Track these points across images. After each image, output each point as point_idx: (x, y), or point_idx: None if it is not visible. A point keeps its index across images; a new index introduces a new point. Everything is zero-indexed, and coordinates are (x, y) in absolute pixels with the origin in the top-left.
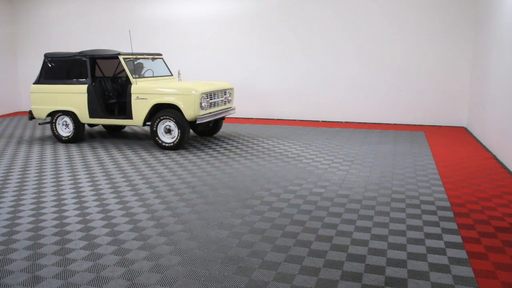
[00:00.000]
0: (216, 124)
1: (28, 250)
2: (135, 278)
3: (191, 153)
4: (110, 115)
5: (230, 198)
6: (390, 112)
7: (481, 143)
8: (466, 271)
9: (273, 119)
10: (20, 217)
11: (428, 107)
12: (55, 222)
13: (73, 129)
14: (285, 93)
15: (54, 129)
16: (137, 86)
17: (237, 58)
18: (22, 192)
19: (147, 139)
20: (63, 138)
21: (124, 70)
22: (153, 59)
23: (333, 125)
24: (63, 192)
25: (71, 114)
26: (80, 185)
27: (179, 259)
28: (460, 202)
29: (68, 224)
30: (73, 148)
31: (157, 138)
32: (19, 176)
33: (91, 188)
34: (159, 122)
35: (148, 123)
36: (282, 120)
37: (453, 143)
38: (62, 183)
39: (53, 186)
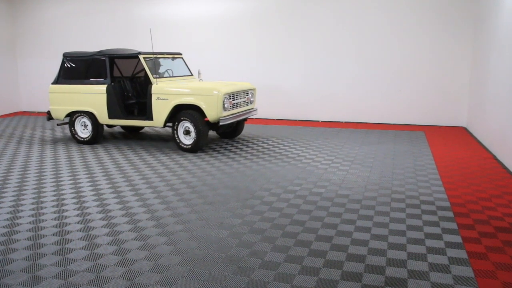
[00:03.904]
0: (238, 125)
1: (28, 250)
2: (135, 278)
3: (191, 153)
4: (130, 115)
5: (230, 198)
6: (390, 112)
7: (481, 143)
8: (466, 271)
9: (274, 119)
10: (20, 217)
11: (428, 107)
12: (55, 222)
13: (92, 130)
14: (285, 93)
15: (73, 130)
16: (158, 86)
17: (237, 58)
18: (22, 192)
19: (150, 140)
20: (82, 139)
21: (143, 69)
22: (173, 58)
23: (333, 125)
24: (63, 192)
25: (90, 115)
26: (80, 185)
27: (179, 259)
28: (460, 202)
29: (68, 224)
30: (73, 148)
31: (177, 140)
32: (19, 176)
33: (91, 188)
34: (179, 123)
35: (169, 124)
36: (282, 120)
37: (453, 143)
38: (62, 183)
39: (53, 186)
